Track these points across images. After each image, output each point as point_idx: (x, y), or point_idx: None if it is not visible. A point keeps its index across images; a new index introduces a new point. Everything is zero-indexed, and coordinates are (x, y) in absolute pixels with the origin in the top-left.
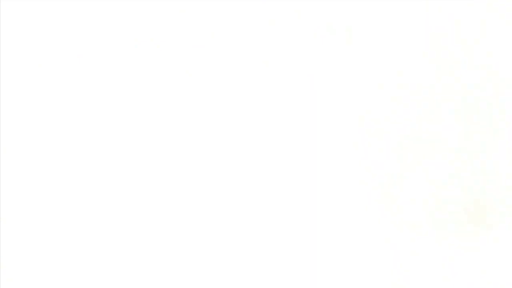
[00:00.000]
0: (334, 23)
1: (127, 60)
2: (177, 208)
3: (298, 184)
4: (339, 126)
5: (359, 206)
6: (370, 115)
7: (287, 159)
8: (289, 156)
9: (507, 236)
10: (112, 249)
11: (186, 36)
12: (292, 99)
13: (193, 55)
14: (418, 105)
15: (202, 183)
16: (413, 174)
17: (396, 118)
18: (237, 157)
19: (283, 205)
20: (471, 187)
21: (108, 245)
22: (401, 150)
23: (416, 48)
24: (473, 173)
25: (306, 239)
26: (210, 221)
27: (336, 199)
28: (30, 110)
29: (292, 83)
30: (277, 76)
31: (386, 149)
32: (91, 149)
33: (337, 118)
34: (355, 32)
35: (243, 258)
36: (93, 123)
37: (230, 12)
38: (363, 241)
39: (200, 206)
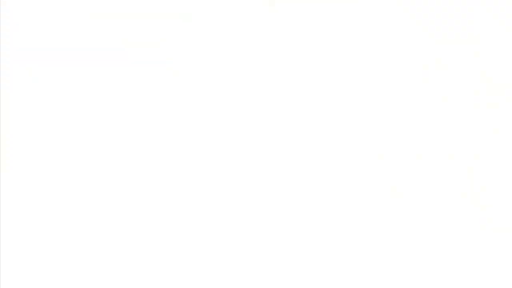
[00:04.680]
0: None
1: (127, 60)
2: (177, 209)
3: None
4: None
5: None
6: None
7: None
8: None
9: None
10: (112, 250)
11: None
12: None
13: (192, 56)
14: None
15: (202, 184)
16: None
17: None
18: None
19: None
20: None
21: (108, 245)
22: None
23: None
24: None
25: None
26: (210, 222)
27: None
28: (30, 111)
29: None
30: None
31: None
32: (90, 149)
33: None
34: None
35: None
36: (93, 123)
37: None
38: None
39: (200, 207)
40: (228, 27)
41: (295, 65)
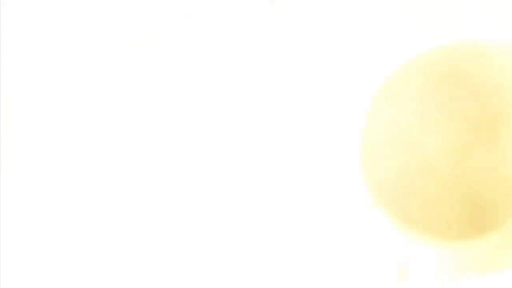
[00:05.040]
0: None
1: (127, 60)
2: (176, 209)
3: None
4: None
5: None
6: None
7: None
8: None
9: None
10: (112, 249)
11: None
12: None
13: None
14: None
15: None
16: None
17: None
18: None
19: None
20: None
21: (109, 246)
22: None
23: None
24: None
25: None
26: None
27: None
28: (30, 111)
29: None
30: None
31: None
32: (90, 149)
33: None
34: None
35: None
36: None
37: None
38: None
39: (199, 207)
40: (228, 27)
41: (295, 65)
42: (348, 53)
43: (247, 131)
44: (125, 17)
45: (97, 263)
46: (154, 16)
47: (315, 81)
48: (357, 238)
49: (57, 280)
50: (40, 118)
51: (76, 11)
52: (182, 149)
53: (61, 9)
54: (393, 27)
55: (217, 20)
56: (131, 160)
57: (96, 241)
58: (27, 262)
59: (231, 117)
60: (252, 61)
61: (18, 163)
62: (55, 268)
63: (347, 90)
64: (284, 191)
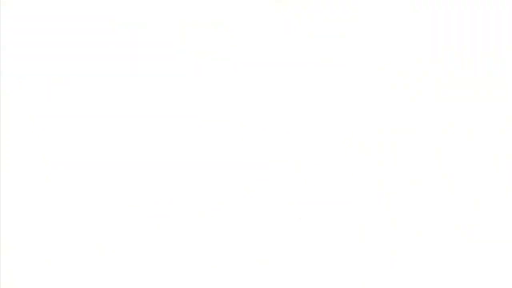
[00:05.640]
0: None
1: (128, 60)
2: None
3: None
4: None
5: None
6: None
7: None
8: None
9: None
10: (112, 250)
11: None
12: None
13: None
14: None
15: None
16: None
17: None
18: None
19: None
20: None
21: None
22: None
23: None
24: None
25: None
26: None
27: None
28: (30, 111)
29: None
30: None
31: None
32: (90, 149)
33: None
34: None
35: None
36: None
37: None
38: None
39: (199, 207)
40: (233, 24)
41: (301, 62)
42: (354, 49)
43: (250, 130)
44: (125, 17)
45: (97, 262)
46: (155, 15)
47: (321, 78)
48: (357, 238)
49: (57, 279)
50: (40, 118)
51: (76, 11)
52: (183, 149)
53: (61, 9)
54: (396, 27)
55: (223, 16)
56: (131, 159)
57: (95, 240)
58: (27, 261)
59: (233, 115)
60: (258, 57)
61: (18, 163)
62: (55, 268)
63: (352, 86)
64: (287, 189)
